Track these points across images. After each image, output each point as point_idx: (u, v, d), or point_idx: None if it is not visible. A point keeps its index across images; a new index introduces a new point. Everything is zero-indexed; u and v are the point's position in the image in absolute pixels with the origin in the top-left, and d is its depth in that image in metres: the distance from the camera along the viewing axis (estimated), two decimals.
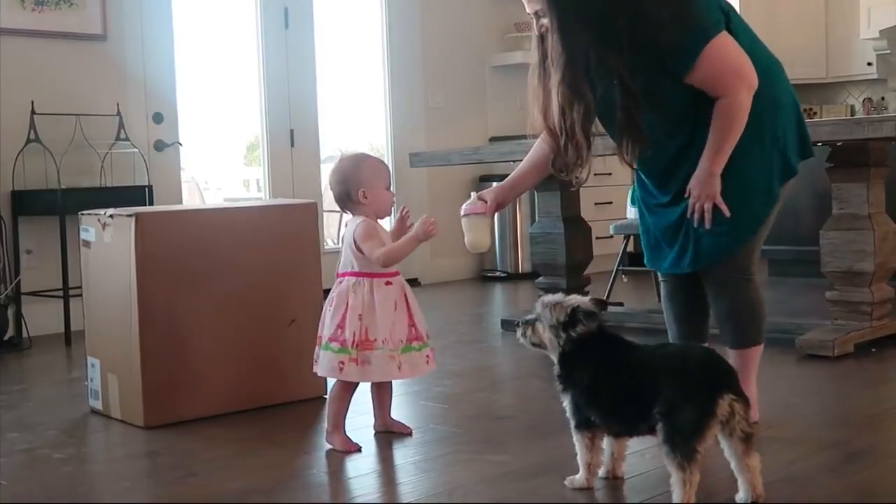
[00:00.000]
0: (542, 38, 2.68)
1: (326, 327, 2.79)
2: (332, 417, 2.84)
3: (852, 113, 8.33)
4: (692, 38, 2.56)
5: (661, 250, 2.89)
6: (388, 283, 2.78)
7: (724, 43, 2.59)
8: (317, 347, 2.83)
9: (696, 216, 2.70)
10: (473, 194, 2.88)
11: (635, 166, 2.79)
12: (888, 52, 7.92)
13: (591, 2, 2.56)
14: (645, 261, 2.99)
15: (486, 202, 2.82)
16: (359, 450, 2.79)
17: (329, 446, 2.82)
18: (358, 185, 2.80)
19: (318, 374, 2.85)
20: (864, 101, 8.37)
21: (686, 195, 2.72)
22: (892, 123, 3.42)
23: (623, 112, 2.62)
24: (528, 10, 2.67)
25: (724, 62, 2.59)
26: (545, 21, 2.62)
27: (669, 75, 2.61)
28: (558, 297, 2.36)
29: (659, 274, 3.00)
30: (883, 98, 8.30)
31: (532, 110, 2.77)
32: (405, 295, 2.82)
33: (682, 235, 2.79)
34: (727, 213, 2.67)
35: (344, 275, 2.81)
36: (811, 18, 8.12)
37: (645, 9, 2.55)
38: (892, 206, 4.14)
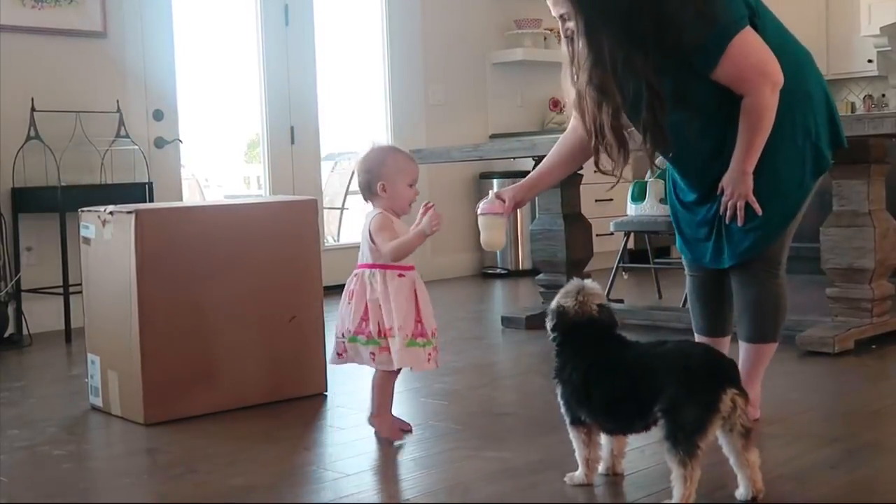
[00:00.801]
0: (570, 41, 2.70)
1: (349, 321, 2.81)
2: (377, 401, 2.87)
3: (853, 110, 8.32)
4: (715, 36, 2.55)
5: (697, 247, 2.91)
6: (400, 276, 2.80)
7: (748, 40, 2.58)
8: (341, 341, 2.84)
9: (728, 214, 2.72)
10: (491, 192, 2.86)
11: (657, 164, 2.81)
12: (889, 48, 7.91)
13: (616, 4, 2.56)
14: (684, 260, 3.01)
15: (503, 201, 2.82)
16: (402, 436, 2.84)
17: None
18: (379, 177, 2.81)
19: (351, 363, 2.86)
20: (864, 98, 8.37)
21: (719, 192, 2.74)
22: (893, 120, 3.41)
23: (648, 111, 2.63)
24: (553, 13, 2.68)
25: (747, 59, 2.58)
26: (571, 24, 2.64)
27: (697, 74, 2.62)
28: (574, 284, 2.36)
29: (686, 268, 3.02)
30: (884, 95, 8.29)
31: (569, 110, 2.83)
32: (415, 290, 2.83)
33: (715, 232, 2.81)
34: (759, 212, 2.69)
35: (361, 266, 2.84)
36: (812, 15, 8.12)
37: (668, 10, 2.55)
38: (893, 202, 4.14)
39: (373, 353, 2.78)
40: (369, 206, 2.88)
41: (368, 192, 2.85)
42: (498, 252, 7.07)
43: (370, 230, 2.79)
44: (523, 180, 2.96)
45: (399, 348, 2.75)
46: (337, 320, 2.87)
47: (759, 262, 2.81)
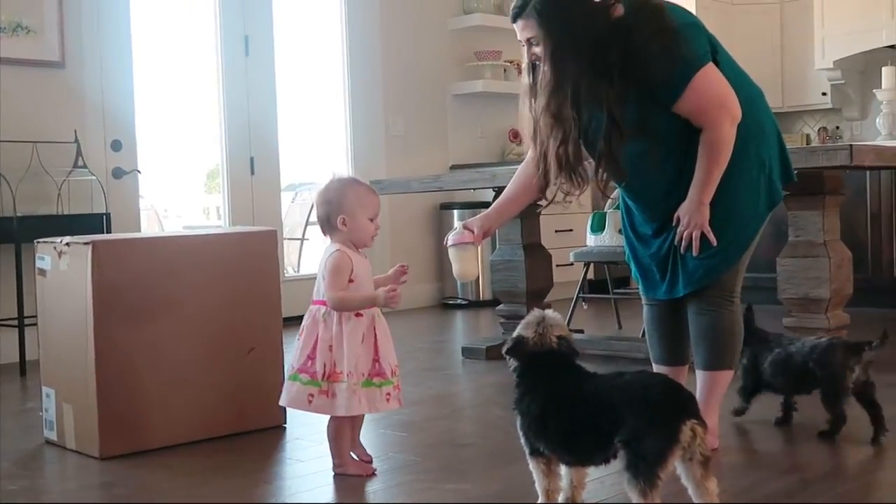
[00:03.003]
0: (532, 67, 2.74)
1: (294, 357, 2.75)
2: (336, 453, 2.81)
3: (808, 142, 8.43)
4: (679, 70, 2.62)
5: (653, 278, 2.93)
6: (357, 315, 2.72)
7: (711, 75, 2.65)
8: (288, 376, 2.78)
9: (683, 244, 2.76)
10: (458, 224, 2.87)
11: (611, 196, 2.85)
12: (842, 82, 8.04)
13: (586, 33, 2.61)
14: (640, 290, 3.03)
15: (472, 231, 2.83)
16: (374, 473, 2.79)
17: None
18: (339, 210, 2.75)
19: (283, 406, 2.80)
20: (819, 130, 8.49)
21: (674, 223, 2.77)
22: (847, 152, 3.47)
23: (605, 141, 2.67)
24: (520, 37, 2.71)
25: (709, 93, 2.65)
26: (537, 50, 2.67)
27: (659, 104, 2.67)
28: (536, 315, 2.37)
29: (643, 297, 3.04)
30: (837, 127, 8.42)
31: (523, 136, 2.86)
32: (374, 328, 2.77)
33: (671, 263, 2.85)
34: (714, 242, 2.73)
35: (317, 303, 2.77)
36: (767, 49, 8.24)
37: (636, 43, 2.61)
38: (847, 233, 4.19)
39: (311, 396, 2.70)
40: (329, 240, 2.83)
41: (328, 225, 2.78)
42: (458, 282, 7.07)
43: (325, 270, 2.74)
44: (489, 209, 2.98)
45: (347, 396, 2.67)
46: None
47: (713, 291, 2.84)
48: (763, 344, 3.14)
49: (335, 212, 2.76)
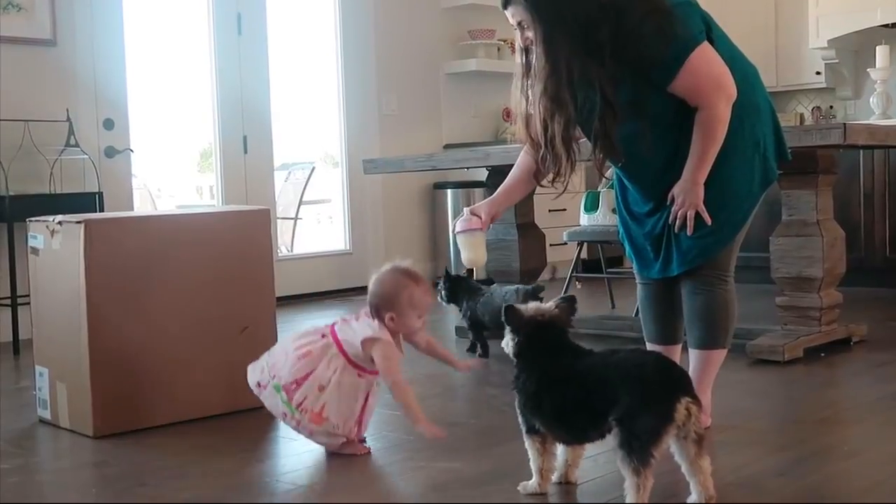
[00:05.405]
0: (525, 50, 2.73)
1: (286, 372, 2.73)
2: None
3: (802, 121, 8.43)
4: (674, 49, 2.60)
5: (648, 257, 2.93)
6: (360, 375, 2.73)
7: (706, 54, 2.63)
8: (268, 380, 2.77)
9: (678, 223, 2.75)
10: (466, 210, 2.86)
11: (606, 175, 2.84)
12: (836, 61, 8.03)
13: (574, 14, 2.59)
14: (634, 269, 3.03)
15: (479, 217, 2.82)
16: (369, 452, 2.81)
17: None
18: (389, 308, 2.69)
19: (256, 397, 2.81)
20: (813, 110, 8.48)
21: (669, 202, 2.76)
22: (840, 131, 3.46)
23: (600, 122, 2.66)
24: (511, 21, 2.70)
25: (704, 73, 2.63)
26: (529, 34, 2.66)
27: (653, 85, 2.66)
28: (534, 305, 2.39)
29: (637, 276, 3.04)
30: (831, 106, 8.41)
31: (516, 121, 2.84)
32: (368, 394, 2.78)
33: (665, 242, 2.84)
34: (709, 222, 2.73)
35: (334, 335, 2.74)
36: (761, 28, 8.22)
37: (627, 23, 2.59)
38: (840, 212, 4.20)
39: (285, 414, 2.74)
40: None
41: (375, 313, 2.72)
42: (452, 262, 7.07)
43: (373, 354, 2.67)
44: (494, 194, 2.97)
45: (318, 437, 2.75)
46: (277, 351, 2.81)
47: (708, 269, 2.84)
48: (477, 292, 4.20)
49: (385, 307, 2.70)
